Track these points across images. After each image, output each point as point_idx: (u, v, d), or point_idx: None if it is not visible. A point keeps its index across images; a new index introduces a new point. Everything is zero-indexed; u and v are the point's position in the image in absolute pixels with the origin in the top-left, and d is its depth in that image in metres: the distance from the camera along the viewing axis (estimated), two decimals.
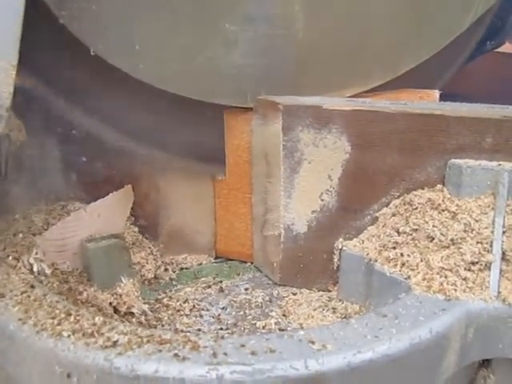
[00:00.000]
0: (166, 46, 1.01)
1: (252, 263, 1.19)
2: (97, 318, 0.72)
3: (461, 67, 1.44)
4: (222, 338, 0.68)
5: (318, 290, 1.05)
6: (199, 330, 0.95)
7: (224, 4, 1.01)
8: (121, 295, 0.97)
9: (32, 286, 0.81)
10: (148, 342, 0.67)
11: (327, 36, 1.09)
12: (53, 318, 0.72)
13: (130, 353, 0.64)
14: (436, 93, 1.21)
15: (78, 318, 0.72)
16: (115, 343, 0.67)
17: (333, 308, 0.99)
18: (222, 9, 1.01)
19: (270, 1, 1.03)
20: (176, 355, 0.64)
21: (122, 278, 1.00)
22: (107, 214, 1.08)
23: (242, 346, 0.67)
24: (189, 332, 0.92)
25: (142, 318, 0.96)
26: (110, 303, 0.96)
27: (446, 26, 1.18)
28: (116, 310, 0.96)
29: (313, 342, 0.67)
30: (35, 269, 0.89)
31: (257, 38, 1.04)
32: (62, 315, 0.73)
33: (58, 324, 0.71)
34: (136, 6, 0.96)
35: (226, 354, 0.65)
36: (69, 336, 0.68)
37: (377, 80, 1.16)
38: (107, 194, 1.09)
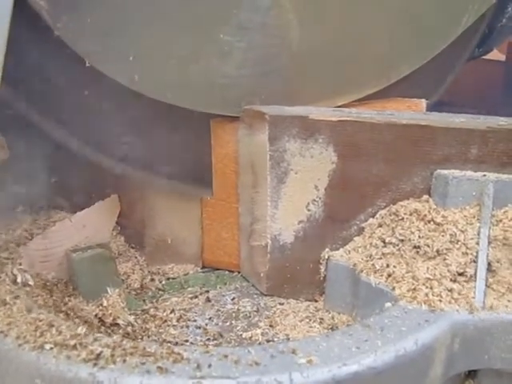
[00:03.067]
0: (160, 57, 1.00)
1: (239, 273, 1.18)
2: (80, 330, 0.71)
3: (457, 74, 1.44)
4: (207, 350, 0.68)
5: (305, 300, 1.05)
6: (186, 341, 0.94)
7: (218, 14, 1.01)
8: (106, 306, 0.96)
9: (15, 298, 0.80)
10: (132, 354, 0.66)
11: (321, 44, 1.09)
12: (35, 331, 0.71)
13: (112, 366, 0.64)
14: (423, 102, 1.21)
15: (60, 330, 0.71)
16: (98, 356, 0.66)
17: (320, 318, 0.99)
18: (216, 19, 1.01)
19: (264, 10, 1.03)
20: (160, 368, 0.64)
21: (108, 289, 0.99)
22: (93, 224, 1.07)
23: (227, 358, 0.66)
24: (176, 343, 0.92)
25: (129, 329, 0.95)
26: (96, 314, 0.95)
27: (439, 33, 1.19)
28: (102, 321, 0.95)
29: (298, 355, 0.67)
30: (19, 280, 0.88)
31: (251, 47, 1.04)
32: (45, 327, 0.72)
33: (41, 336, 0.70)
34: (131, 18, 0.96)
35: (210, 366, 0.64)
36: (51, 349, 0.67)
37: (371, 87, 1.16)
38: (93, 204, 1.09)
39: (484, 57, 1.81)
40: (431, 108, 1.38)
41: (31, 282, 0.90)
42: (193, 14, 0.99)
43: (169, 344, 0.70)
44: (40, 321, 0.74)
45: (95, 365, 0.64)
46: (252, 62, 1.05)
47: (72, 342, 0.68)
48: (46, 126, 1.05)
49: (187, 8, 0.99)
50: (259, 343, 0.92)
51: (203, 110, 1.06)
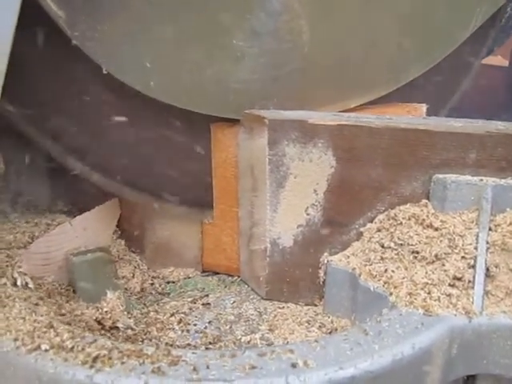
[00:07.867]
0: (175, 63, 1.01)
1: (239, 277, 1.18)
2: (78, 333, 0.71)
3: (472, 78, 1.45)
4: (204, 352, 0.68)
5: (305, 305, 1.05)
6: (188, 344, 0.94)
7: (231, 20, 1.01)
8: (106, 310, 0.96)
9: (15, 300, 0.81)
10: (129, 356, 0.67)
11: (332, 48, 1.10)
12: (33, 333, 0.71)
13: (109, 369, 0.64)
14: (423, 107, 1.21)
15: (58, 332, 0.72)
16: (95, 358, 0.66)
17: (319, 323, 0.98)
18: (228, 25, 1.02)
19: (276, 15, 1.03)
20: (156, 371, 0.64)
21: (108, 292, 0.99)
22: (93, 228, 1.08)
23: (224, 361, 0.66)
24: (177, 347, 0.92)
25: (129, 332, 0.95)
26: (95, 318, 0.95)
27: (447, 37, 1.19)
28: (101, 325, 0.95)
29: (294, 358, 0.67)
30: (19, 282, 0.88)
31: (263, 52, 1.05)
32: (43, 329, 0.72)
33: (38, 339, 0.70)
34: (146, 25, 0.97)
35: (207, 368, 0.65)
36: (48, 351, 0.67)
37: (381, 90, 1.17)
38: (93, 208, 1.09)
39: (487, 62, 1.81)
40: (449, 112, 1.38)
41: (31, 285, 0.90)
42: (206, 19, 1.00)
43: (165, 346, 0.70)
44: (38, 323, 0.74)
45: (92, 367, 0.65)
46: (265, 66, 1.06)
47: (69, 345, 0.69)
48: (44, 143, 1.06)
49: (201, 14, 1.00)
50: (260, 347, 0.92)
51: (217, 115, 1.07)
